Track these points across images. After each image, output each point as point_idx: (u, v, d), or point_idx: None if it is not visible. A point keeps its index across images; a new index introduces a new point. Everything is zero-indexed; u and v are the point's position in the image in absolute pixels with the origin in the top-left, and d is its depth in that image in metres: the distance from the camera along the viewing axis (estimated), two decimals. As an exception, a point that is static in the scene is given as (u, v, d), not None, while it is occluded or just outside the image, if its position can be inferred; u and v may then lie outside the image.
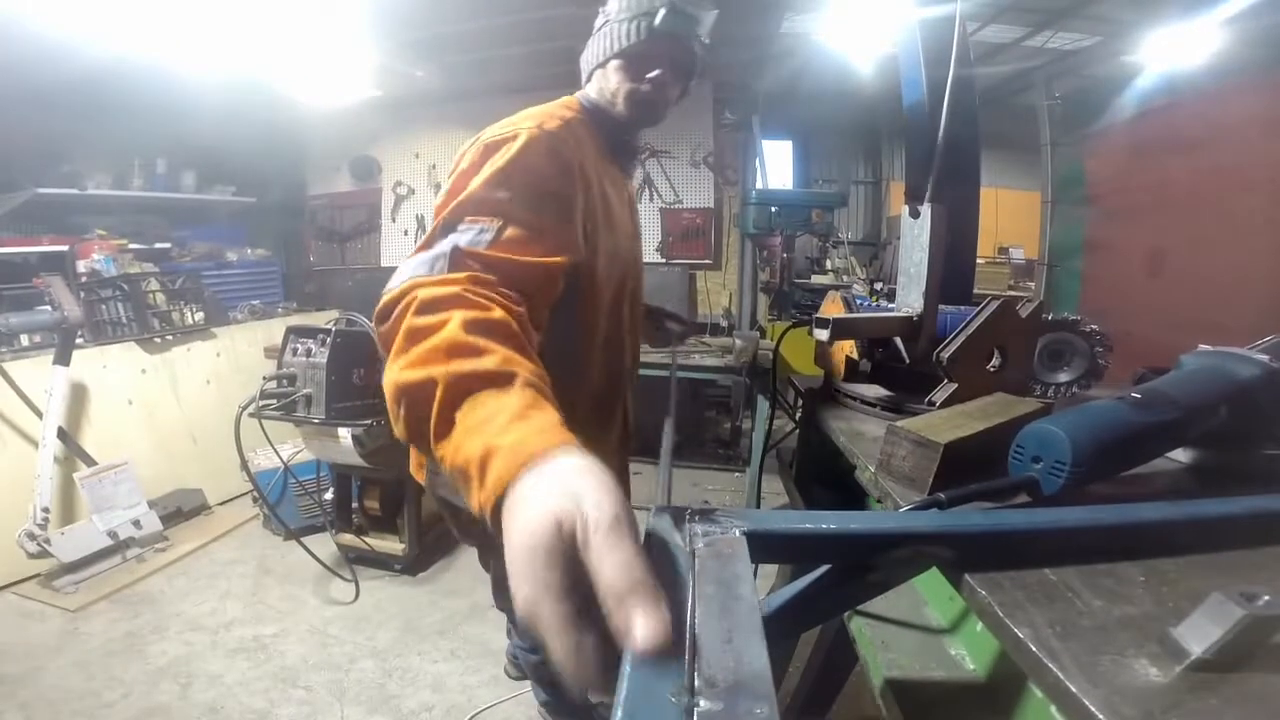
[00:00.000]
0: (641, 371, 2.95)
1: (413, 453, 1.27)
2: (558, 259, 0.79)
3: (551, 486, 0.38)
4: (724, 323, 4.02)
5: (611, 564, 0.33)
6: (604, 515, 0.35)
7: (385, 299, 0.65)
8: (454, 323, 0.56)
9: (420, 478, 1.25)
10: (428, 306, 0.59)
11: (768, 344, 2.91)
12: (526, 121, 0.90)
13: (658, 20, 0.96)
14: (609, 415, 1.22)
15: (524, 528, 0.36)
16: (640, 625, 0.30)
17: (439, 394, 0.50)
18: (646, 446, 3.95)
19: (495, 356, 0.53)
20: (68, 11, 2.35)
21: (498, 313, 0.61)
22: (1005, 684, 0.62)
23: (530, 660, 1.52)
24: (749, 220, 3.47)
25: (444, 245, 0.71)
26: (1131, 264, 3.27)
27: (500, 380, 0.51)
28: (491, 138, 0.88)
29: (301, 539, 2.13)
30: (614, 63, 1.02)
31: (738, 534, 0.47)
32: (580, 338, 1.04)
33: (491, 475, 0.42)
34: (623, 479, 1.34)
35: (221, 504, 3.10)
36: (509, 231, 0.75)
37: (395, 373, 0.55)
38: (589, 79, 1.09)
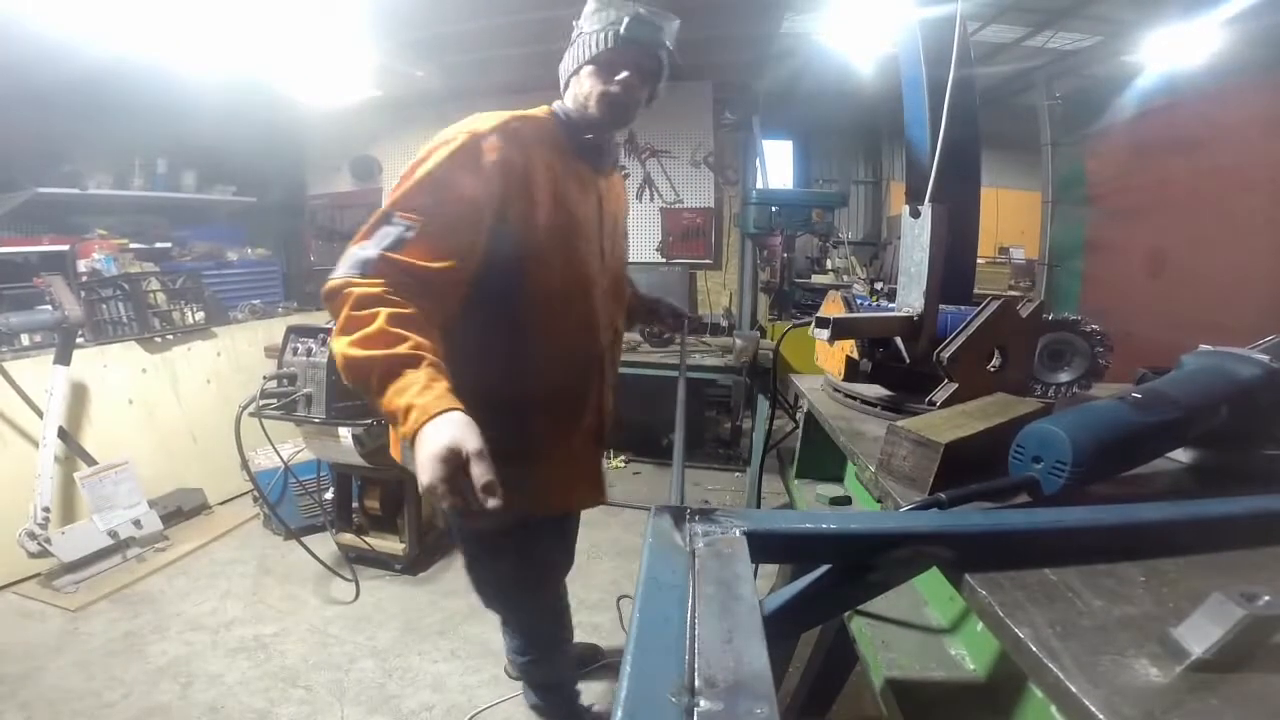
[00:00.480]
0: (644, 371, 2.95)
1: (393, 437, 1.36)
2: (448, 263, 0.95)
3: (447, 429, 0.76)
4: (724, 322, 4.02)
5: (478, 469, 0.74)
6: (475, 446, 0.75)
7: (332, 284, 0.90)
8: (381, 318, 0.85)
9: (399, 457, 1.30)
10: (361, 303, 0.87)
11: (768, 344, 2.91)
12: (469, 125, 1.02)
13: (623, 29, 1.07)
14: (577, 401, 1.24)
15: (433, 447, 0.74)
16: (488, 496, 0.73)
17: (376, 369, 0.82)
18: (648, 446, 3.92)
19: (409, 343, 0.84)
20: (68, 11, 2.35)
21: (410, 309, 0.88)
22: (1005, 684, 0.62)
23: (520, 662, 1.51)
24: (749, 220, 3.47)
25: (372, 249, 0.92)
26: (1132, 264, 3.26)
27: (413, 361, 0.82)
28: (441, 138, 1.01)
29: (302, 539, 2.13)
30: (586, 69, 1.12)
31: (738, 534, 0.47)
32: (530, 320, 1.12)
33: (410, 420, 0.78)
34: (594, 471, 1.34)
35: (222, 504, 3.10)
36: (428, 229, 0.93)
37: (343, 347, 0.85)
38: (566, 87, 1.17)
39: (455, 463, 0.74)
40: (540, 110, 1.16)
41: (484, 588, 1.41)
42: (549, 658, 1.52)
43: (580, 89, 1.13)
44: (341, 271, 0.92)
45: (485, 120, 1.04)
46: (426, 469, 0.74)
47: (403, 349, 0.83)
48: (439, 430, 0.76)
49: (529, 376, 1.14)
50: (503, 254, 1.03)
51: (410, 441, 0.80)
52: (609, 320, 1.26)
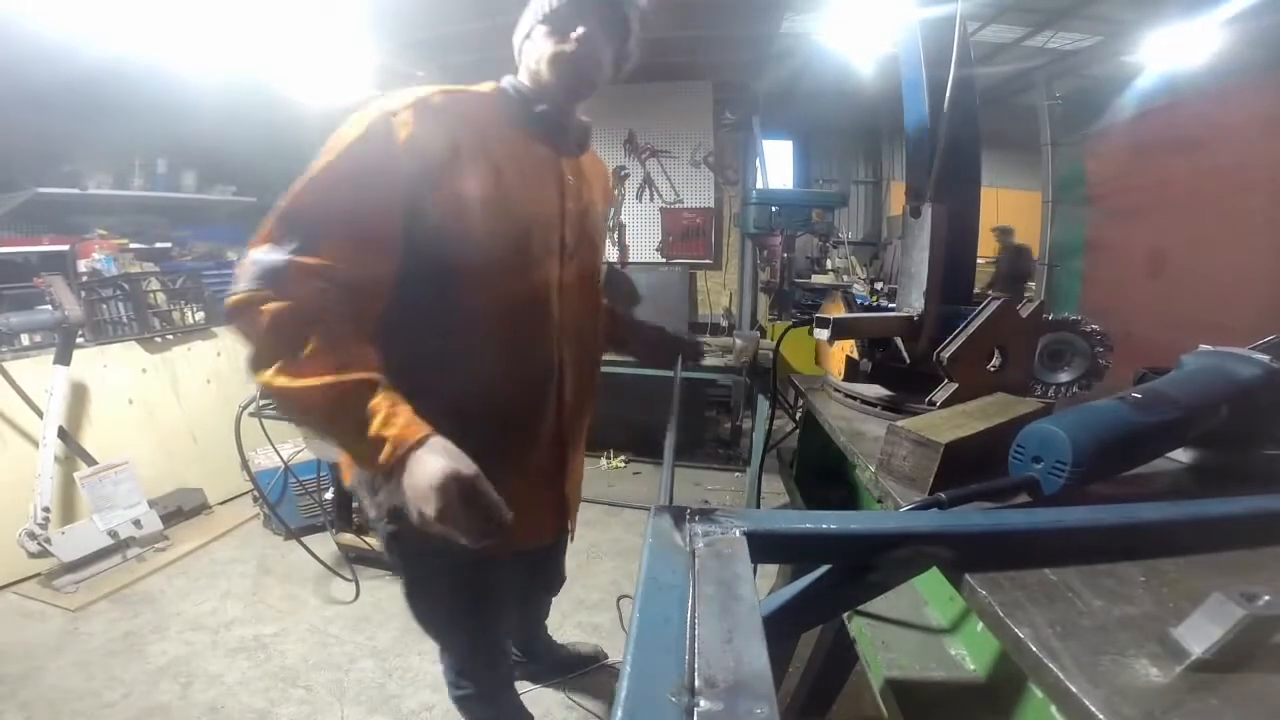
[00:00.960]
0: (644, 372, 2.95)
1: (344, 461, 1.14)
2: (368, 261, 0.84)
3: (436, 457, 0.74)
4: (724, 322, 4.02)
5: (481, 491, 0.75)
6: (471, 468, 0.75)
7: (236, 299, 0.78)
8: (313, 340, 0.75)
9: (349, 478, 1.12)
10: (281, 323, 0.76)
11: (768, 344, 2.91)
12: (382, 102, 0.88)
13: None
14: (529, 415, 1.05)
15: (429, 479, 0.73)
16: (498, 516, 0.76)
17: (320, 401, 0.75)
18: (648, 446, 3.92)
19: (353, 367, 0.76)
20: (67, 11, 2.35)
21: (338, 322, 0.78)
22: (1005, 684, 0.62)
23: (457, 695, 1.35)
24: (749, 220, 3.47)
25: (278, 253, 0.78)
26: (1132, 264, 3.27)
27: (366, 387, 0.76)
28: (353, 118, 0.88)
29: (302, 538, 2.13)
30: (540, 29, 0.97)
31: (738, 534, 0.47)
32: (462, 324, 0.94)
33: (385, 453, 0.74)
34: (554, 497, 1.16)
35: (222, 503, 3.10)
36: (341, 224, 0.81)
37: (273, 378, 0.76)
38: (520, 58, 1.02)
39: (457, 490, 0.73)
40: (484, 86, 1.00)
41: (431, 622, 1.25)
42: (491, 693, 1.34)
43: (532, 54, 0.98)
44: (245, 284, 0.77)
45: (402, 96, 0.89)
46: (430, 501, 0.73)
47: (352, 376, 0.76)
48: (428, 460, 0.74)
49: (464, 388, 0.95)
50: (426, 247, 0.88)
51: (387, 475, 0.76)
52: (573, 321, 1.06)
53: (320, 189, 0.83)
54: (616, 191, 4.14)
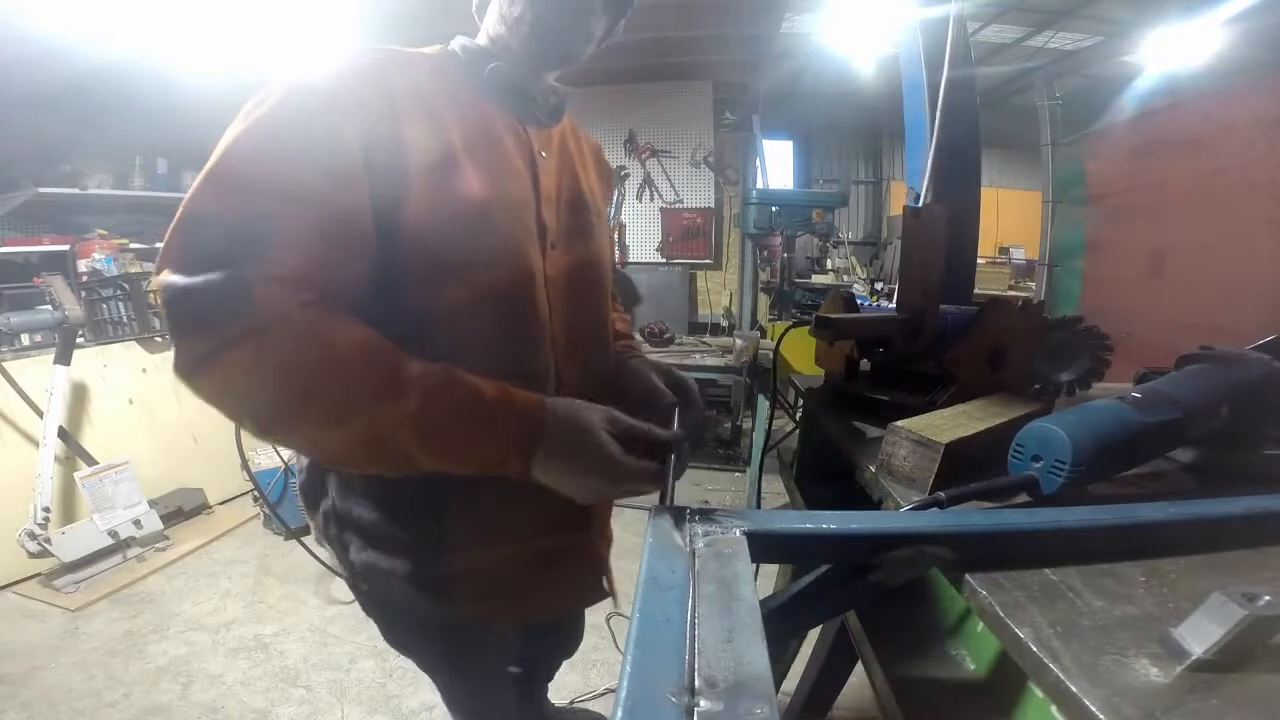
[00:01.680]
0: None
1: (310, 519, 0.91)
2: (339, 259, 0.65)
3: (581, 420, 0.66)
4: (724, 322, 4.03)
5: (644, 431, 0.69)
6: (620, 418, 0.68)
7: (194, 358, 0.57)
8: (347, 367, 0.60)
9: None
10: (296, 361, 0.58)
11: (768, 344, 2.92)
12: (311, 64, 0.70)
13: None
14: None
15: (596, 441, 0.65)
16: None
17: (410, 434, 0.61)
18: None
19: (418, 381, 0.62)
20: (68, 11, 2.36)
21: (361, 331, 0.63)
22: (1005, 684, 0.62)
23: None
24: (749, 220, 3.48)
25: (220, 277, 0.56)
26: (1132, 264, 3.26)
27: (447, 374, 0.64)
28: (276, 81, 0.68)
29: (302, 538, 2.13)
30: None
31: (738, 534, 0.47)
32: (422, 333, 0.73)
33: (517, 450, 0.64)
34: (584, 567, 0.93)
35: (222, 503, 3.10)
36: (298, 221, 0.61)
37: (312, 433, 0.63)
38: (481, 13, 0.85)
39: (628, 441, 0.67)
40: (429, 48, 0.83)
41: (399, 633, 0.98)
42: None
43: (510, 9, 0.78)
44: (198, 331, 0.57)
45: (335, 56, 0.71)
46: (604, 463, 0.65)
47: (431, 399, 0.62)
48: (581, 420, 0.66)
49: None
50: (381, 237, 0.69)
51: (525, 467, 0.65)
52: (570, 327, 0.85)
53: (264, 171, 0.61)
54: (615, 192, 4.15)
